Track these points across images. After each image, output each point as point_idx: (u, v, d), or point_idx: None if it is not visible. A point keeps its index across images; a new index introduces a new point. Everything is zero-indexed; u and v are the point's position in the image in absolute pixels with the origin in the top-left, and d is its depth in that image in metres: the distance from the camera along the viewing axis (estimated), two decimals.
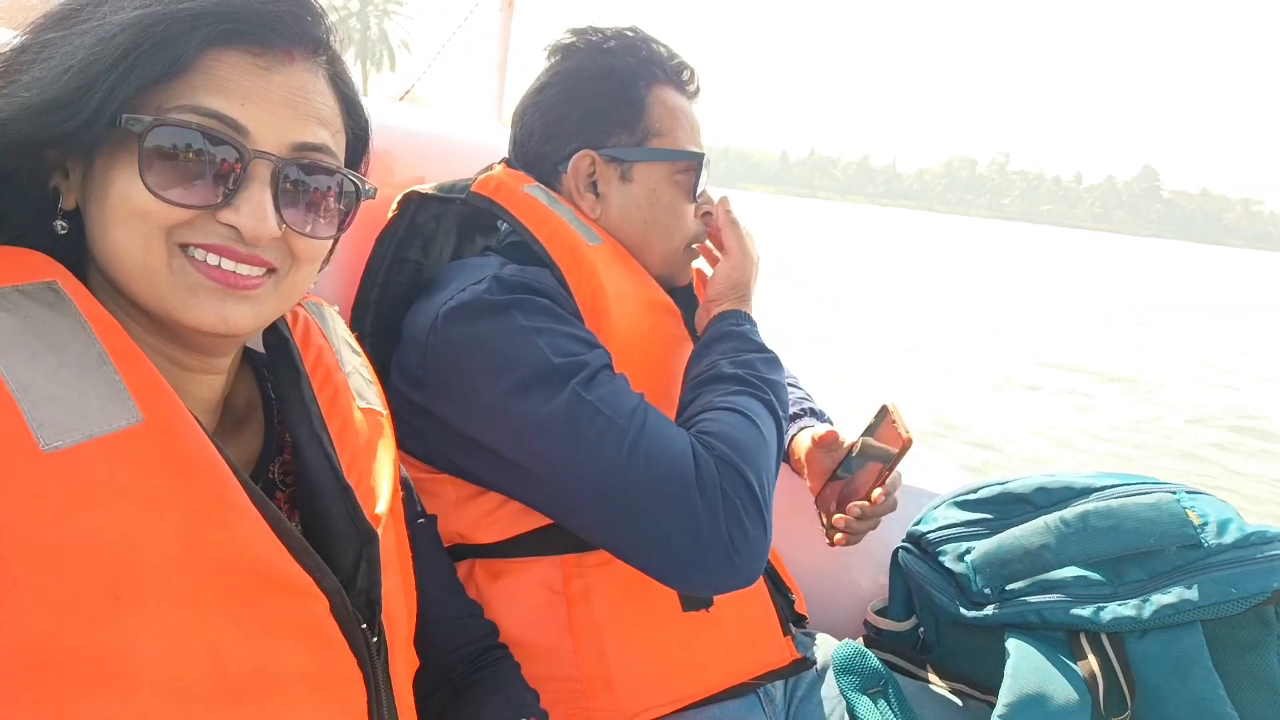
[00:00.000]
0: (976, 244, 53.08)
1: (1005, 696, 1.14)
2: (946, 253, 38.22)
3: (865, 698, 1.23)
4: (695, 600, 1.13)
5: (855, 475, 1.30)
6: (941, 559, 1.35)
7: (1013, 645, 1.21)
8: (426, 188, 1.26)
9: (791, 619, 1.31)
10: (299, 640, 0.64)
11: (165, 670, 0.56)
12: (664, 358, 1.21)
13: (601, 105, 1.22)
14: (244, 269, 0.67)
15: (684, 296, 1.31)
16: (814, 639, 1.36)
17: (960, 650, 1.35)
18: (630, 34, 1.25)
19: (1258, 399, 9.90)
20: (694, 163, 1.25)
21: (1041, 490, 1.33)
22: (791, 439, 1.43)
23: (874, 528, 1.28)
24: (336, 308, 0.96)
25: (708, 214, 1.31)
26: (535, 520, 1.09)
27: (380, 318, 1.24)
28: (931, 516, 1.42)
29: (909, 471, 1.43)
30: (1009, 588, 1.27)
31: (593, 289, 1.12)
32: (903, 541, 1.44)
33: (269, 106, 0.66)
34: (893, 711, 1.21)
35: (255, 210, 0.65)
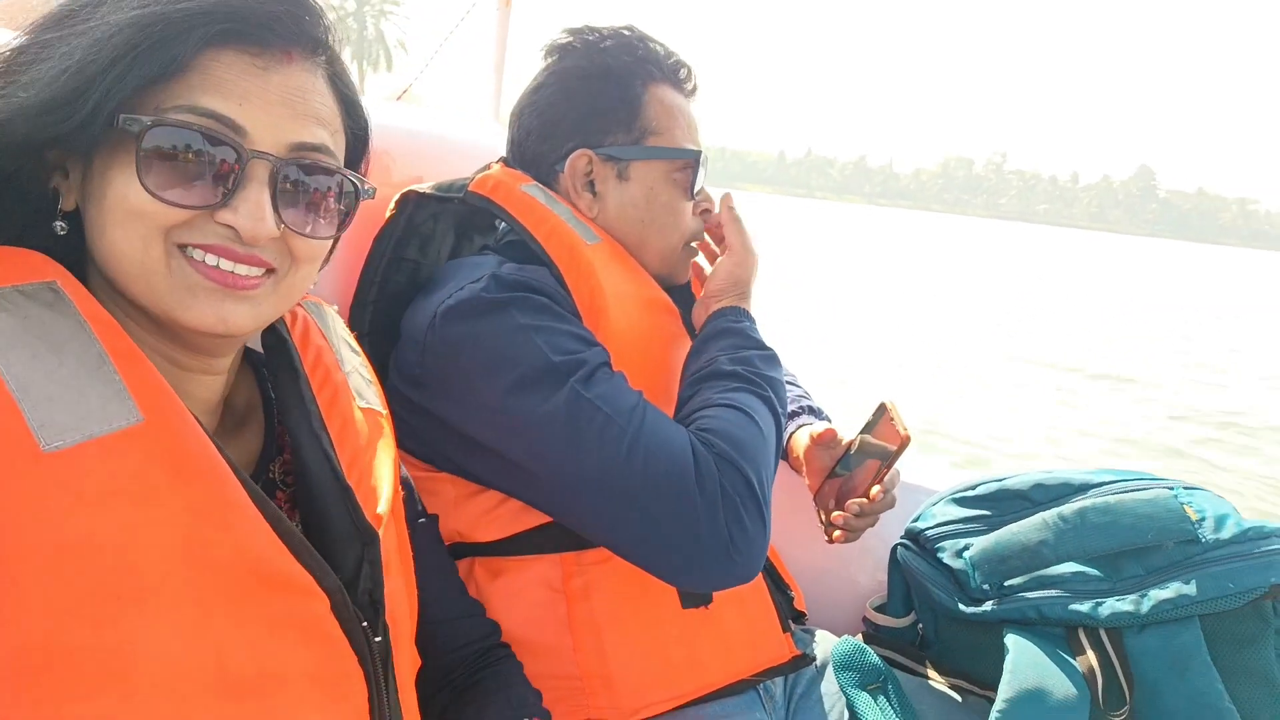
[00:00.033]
0: (973, 244, 53.17)
1: (1004, 692, 1.14)
2: (943, 253, 38.27)
3: (865, 694, 1.23)
4: (695, 597, 1.13)
5: (854, 473, 1.30)
6: (940, 555, 1.35)
7: (1011, 641, 1.21)
8: (424, 187, 1.26)
9: (791, 616, 1.31)
10: (300, 639, 0.64)
11: (167, 670, 0.56)
12: (662, 356, 1.21)
13: (598, 104, 1.22)
14: (242, 269, 0.67)
15: (682, 294, 1.31)
16: (813, 636, 1.36)
17: (959, 646, 1.35)
18: (627, 33, 1.25)
19: (1250, 397, 9.93)
20: (691, 160, 1.25)
21: (1039, 487, 1.33)
22: (790, 437, 1.43)
23: (873, 525, 1.29)
24: (335, 307, 0.95)
25: (707, 211, 1.31)
26: (535, 518, 1.09)
27: (378, 317, 1.24)
28: (930, 513, 1.42)
29: (907, 469, 1.44)
30: (1007, 584, 1.27)
31: (591, 287, 1.12)
32: (901, 538, 1.44)
33: (267, 106, 0.66)
34: (892, 708, 1.22)
35: (253, 210, 0.65)
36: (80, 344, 0.59)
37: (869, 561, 1.58)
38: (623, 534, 1.00)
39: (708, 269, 1.31)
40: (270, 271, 0.69)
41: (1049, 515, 1.27)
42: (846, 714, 1.23)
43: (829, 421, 1.44)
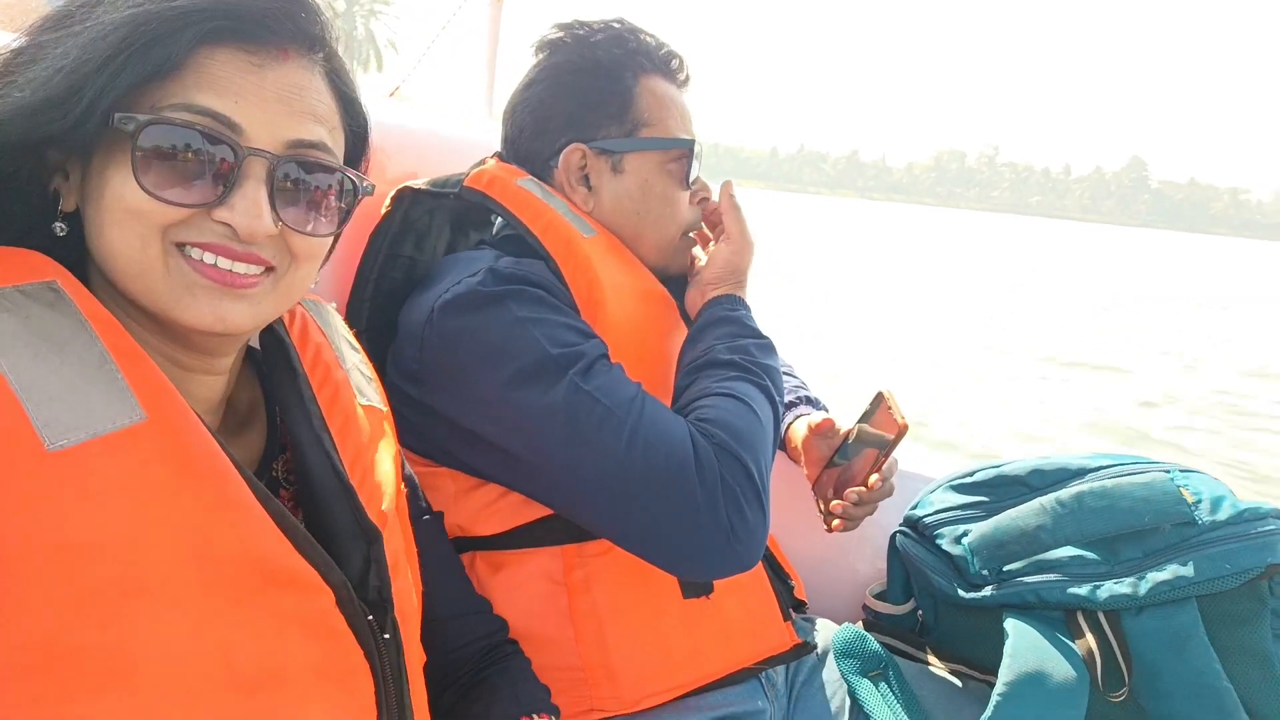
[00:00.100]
0: (966, 237, 53.27)
1: (1005, 676, 1.15)
2: (937, 246, 38.34)
3: (866, 681, 1.24)
4: (696, 587, 1.13)
5: (852, 462, 1.31)
6: (939, 542, 1.36)
7: (1011, 626, 1.22)
8: (419, 183, 1.26)
9: (791, 605, 1.32)
10: (306, 634, 0.65)
11: (173, 667, 0.56)
12: (660, 347, 1.21)
13: (589, 98, 1.22)
14: (241, 267, 0.66)
15: (679, 285, 1.31)
16: (814, 624, 1.37)
17: (959, 632, 1.36)
18: (617, 26, 1.25)
19: (1241, 385, 10.01)
20: (685, 150, 1.25)
21: (1037, 472, 1.34)
22: (788, 427, 1.44)
23: (871, 513, 1.29)
24: (333, 305, 0.95)
25: (705, 200, 1.31)
26: (535, 511, 1.09)
27: (375, 314, 1.24)
28: (928, 500, 1.43)
29: (905, 457, 1.45)
30: (1006, 569, 1.28)
31: (588, 280, 1.12)
32: (900, 526, 1.45)
33: (263, 104, 0.65)
34: (893, 694, 1.22)
35: (250, 208, 0.65)
36: (82, 343, 0.59)
37: (868, 549, 1.59)
38: (623, 525, 1.00)
39: (702, 259, 1.31)
40: (269, 270, 0.69)
41: (1047, 500, 1.28)
42: (848, 701, 1.24)
43: (827, 411, 1.44)
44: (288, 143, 0.67)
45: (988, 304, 15.81)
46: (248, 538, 0.61)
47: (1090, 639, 1.19)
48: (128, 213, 0.63)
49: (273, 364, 0.79)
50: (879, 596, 1.48)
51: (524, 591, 1.09)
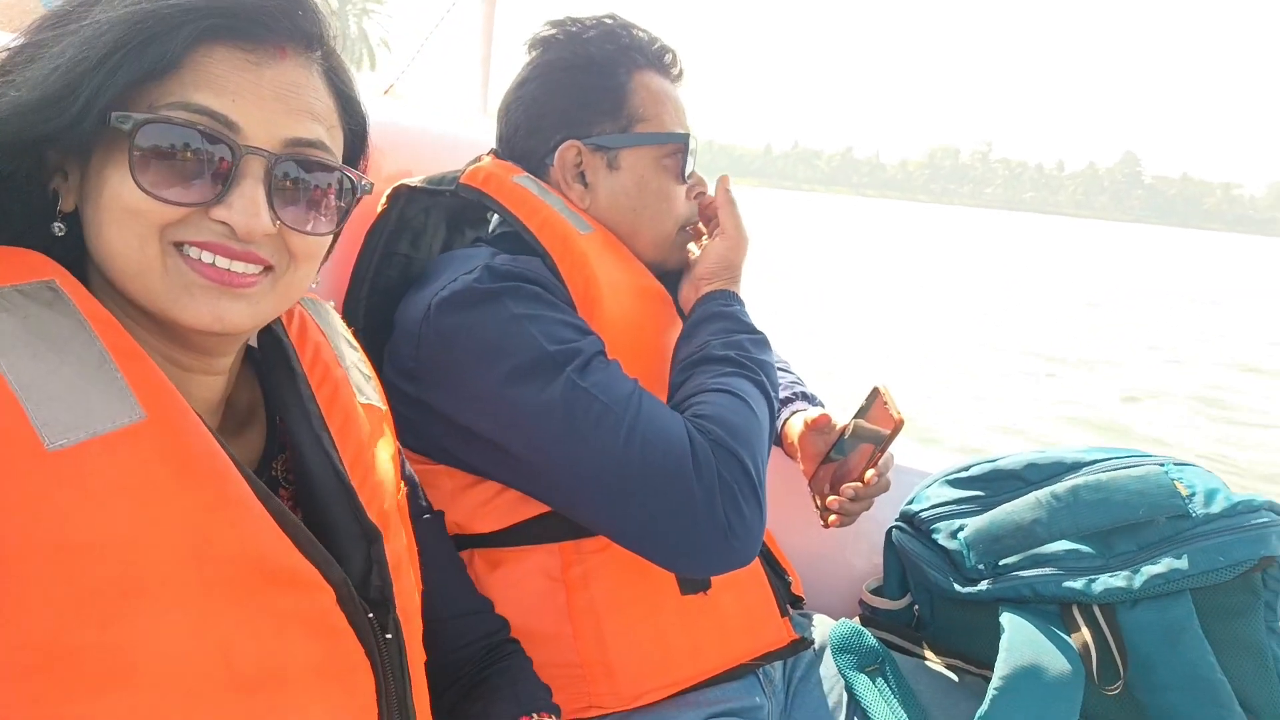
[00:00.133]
0: (960, 233, 53.39)
1: (1001, 670, 1.16)
2: (931, 243, 38.41)
3: (863, 676, 1.24)
4: (693, 584, 1.14)
5: (848, 457, 1.31)
6: (935, 537, 1.36)
7: (1007, 620, 1.23)
8: (415, 181, 1.25)
9: (788, 600, 1.32)
10: (307, 633, 0.65)
11: (174, 667, 0.56)
12: (657, 343, 1.21)
13: (583, 95, 1.22)
14: (239, 266, 0.66)
15: (676, 280, 1.31)
16: (811, 619, 1.37)
17: (955, 626, 1.37)
18: (609, 21, 1.24)
19: (1231, 380, 10.08)
20: (681, 145, 1.25)
21: (1032, 466, 1.34)
22: (784, 423, 1.44)
23: (867, 508, 1.30)
24: (331, 303, 0.95)
25: (701, 194, 1.31)
26: (533, 508, 1.09)
27: (371, 312, 1.24)
28: (924, 495, 1.44)
29: (900, 452, 1.45)
30: (1002, 563, 1.28)
31: (585, 277, 1.12)
32: (896, 521, 1.45)
33: (260, 102, 0.65)
34: (890, 689, 1.23)
35: (248, 206, 0.64)
36: (81, 342, 0.59)
37: (864, 545, 1.60)
38: (621, 522, 1.00)
39: (696, 254, 1.31)
40: (268, 269, 0.69)
41: (1042, 494, 1.28)
42: (845, 696, 1.24)
43: (823, 407, 1.45)
44: (285, 141, 0.67)
45: (982, 300, 15.85)
46: (248, 536, 0.61)
47: (1085, 632, 1.20)
48: (126, 212, 0.63)
49: (271, 364, 0.79)
50: (875, 591, 1.49)
51: (522, 588, 1.09)
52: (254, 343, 0.82)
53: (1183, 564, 1.16)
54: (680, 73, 1.30)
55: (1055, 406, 7.88)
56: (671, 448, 0.98)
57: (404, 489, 0.90)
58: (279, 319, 0.80)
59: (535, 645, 1.05)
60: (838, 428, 1.35)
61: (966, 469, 1.42)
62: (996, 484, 1.37)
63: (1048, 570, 1.24)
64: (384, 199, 1.26)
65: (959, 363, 9.49)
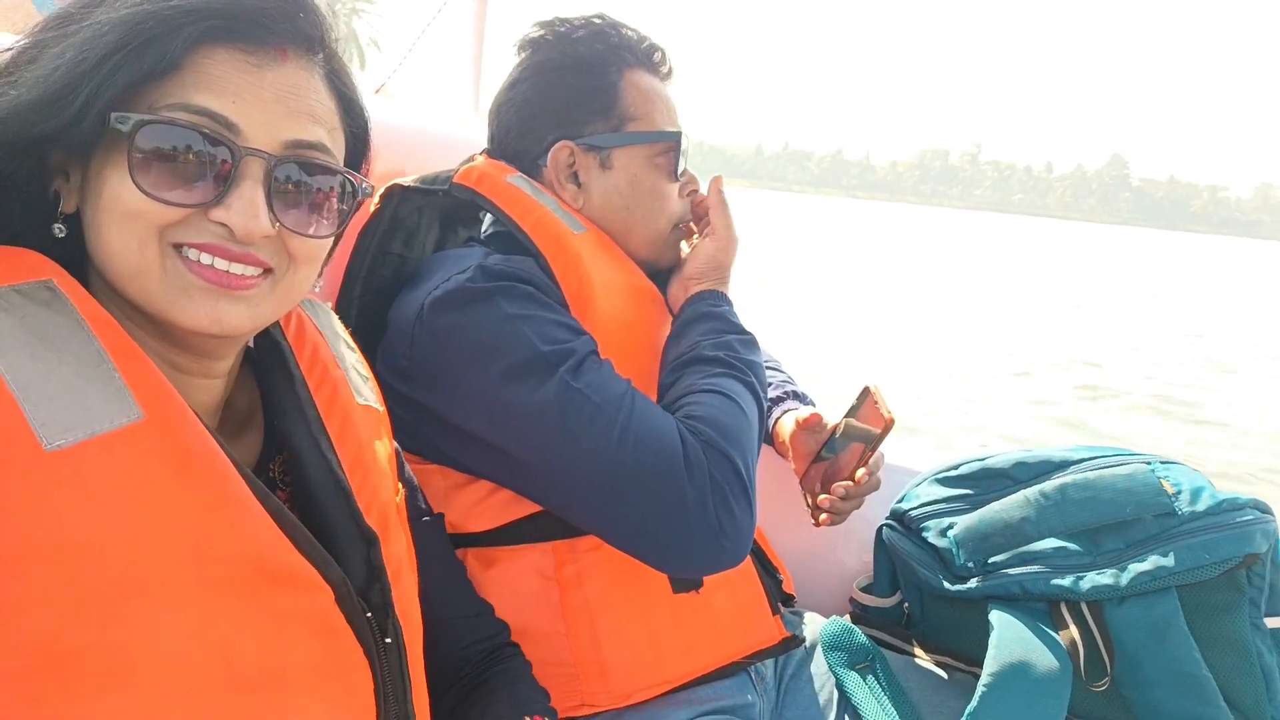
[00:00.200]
0: (950, 235, 53.63)
1: (990, 667, 1.17)
2: (920, 244, 38.57)
3: (854, 673, 1.25)
4: (685, 582, 1.14)
5: (839, 456, 1.32)
6: (925, 535, 1.37)
7: (996, 617, 1.24)
8: (408, 180, 1.25)
9: (780, 599, 1.32)
10: (306, 632, 0.64)
11: (173, 666, 0.56)
12: (649, 343, 1.21)
13: (574, 95, 1.22)
14: (238, 268, 0.66)
15: (668, 280, 1.31)
16: (802, 618, 1.38)
17: (945, 624, 1.38)
18: (598, 21, 1.24)
19: (1217, 381, 10.19)
20: (673, 143, 1.25)
21: (1021, 465, 1.35)
22: (776, 422, 1.45)
23: (858, 507, 1.30)
24: (328, 304, 0.95)
25: (693, 192, 1.32)
26: (526, 508, 1.09)
27: (364, 312, 1.23)
28: (914, 494, 1.45)
29: (891, 451, 1.46)
30: (991, 561, 1.29)
31: (579, 277, 1.12)
32: (886, 519, 1.46)
33: (261, 104, 0.65)
34: (880, 686, 1.24)
35: (247, 208, 0.64)
36: (79, 342, 0.59)
37: (855, 543, 1.60)
38: (613, 522, 1.01)
39: (688, 252, 1.31)
40: (268, 272, 0.68)
41: (1030, 492, 1.29)
42: (836, 694, 1.25)
43: (814, 406, 1.45)
44: (285, 143, 0.66)
45: (971, 301, 15.93)
46: (247, 536, 0.61)
47: (1073, 629, 1.21)
48: (125, 213, 0.63)
49: (269, 366, 0.79)
50: (866, 589, 1.50)
51: (515, 587, 1.09)
52: (251, 344, 0.81)
53: (1169, 561, 1.17)
54: (670, 71, 1.30)
55: (1043, 407, 7.95)
56: (664, 448, 0.98)
57: (403, 491, 0.89)
58: (276, 321, 0.80)
59: (529, 644, 1.05)
60: (829, 427, 1.35)
61: (956, 468, 1.43)
62: (985, 482, 1.38)
63: (1036, 568, 1.25)
64: (377, 198, 1.26)
65: (948, 363, 9.54)
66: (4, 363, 0.55)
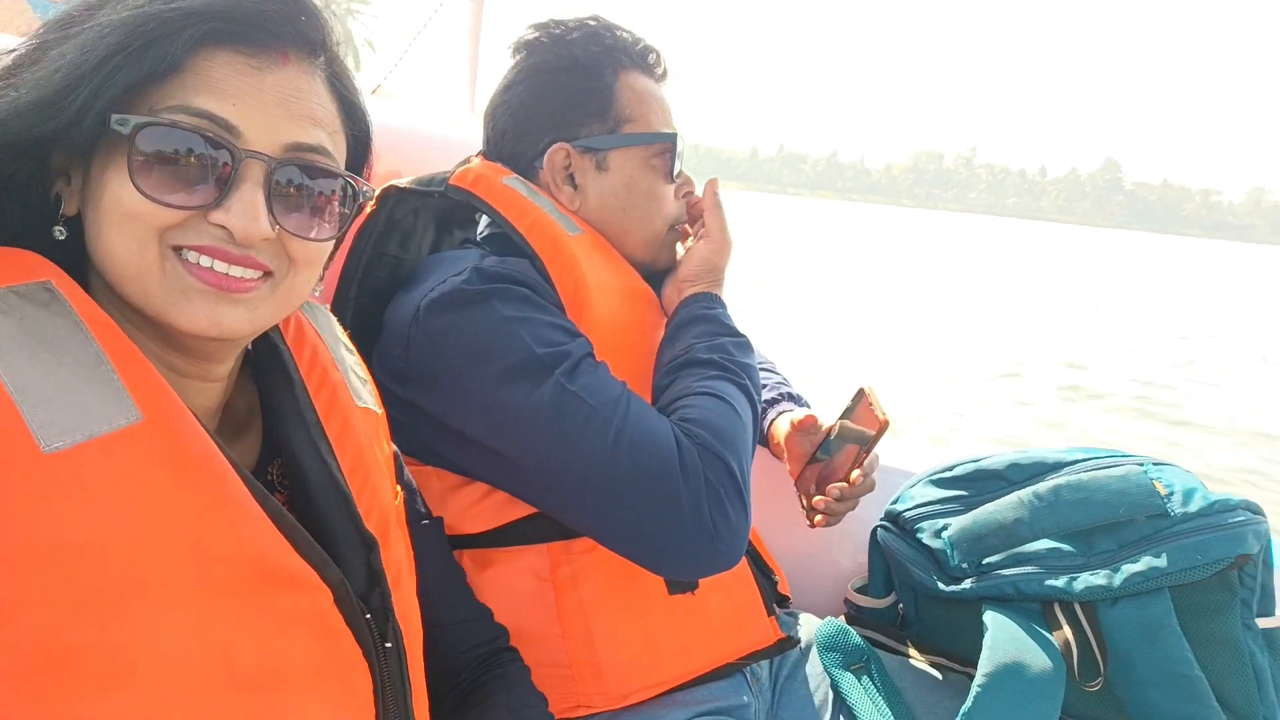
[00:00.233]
0: (944, 238, 53.78)
1: (984, 668, 1.17)
2: (915, 247, 38.66)
3: (849, 674, 1.26)
4: (681, 584, 1.14)
5: (834, 457, 1.32)
6: (919, 536, 1.38)
7: (990, 618, 1.24)
8: (404, 182, 1.25)
9: (775, 600, 1.33)
10: (305, 633, 0.64)
11: (173, 667, 0.56)
12: (645, 346, 1.22)
13: (570, 97, 1.22)
14: (237, 271, 0.66)
15: (662, 282, 1.31)
16: (797, 619, 1.38)
17: (939, 625, 1.38)
18: (592, 23, 1.25)
19: (1206, 384, 10.25)
20: (669, 144, 1.25)
21: (1015, 466, 1.36)
22: (771, 424, 1.45)
23: (853, 508, 1.31)
24: (326, 306, 0.95)
25: (689, 194, 1.32)
26: (521, 509, 1.09)
27: (360, 313, 1.23)
28: (908, 495, 1.45)
29: (885, 452, 1.46)
30: (985, 562, 1.30)
31: (574, 279, 1.13)
32: (881, 520, 1.46)
33: (261, 107, 0.65)
34: (875, 687, 1.24)
35: (246, 210, 0.64)
36: (77, 344, 0.59)
37: (850, 544, 1.61)
38: (608, 525, 1.01)
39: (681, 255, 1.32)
40: (267, 275, 0.68)
41: (1024, 494, 1.30)
42: (831, 695, 1.25)
43: (809, 408, 1.46)
44: (286, 146, 0.66)
45: (966, 304, 15.98)
46: (246, 537, 0.61)
47: (1067, 630, 1.22)
48: (124, 215, 0.62)
49: (266, 369, 0.79)
50: (861, 590, 1.50)
51: (511, 589, 1.09)
52: (250, 347, 0.81)
53: (1161, 562, 1.18)
54: (664, 72, 1.30)
55: (1036, 409, 7.98)
56: (659, 451, 0.99)
57: (402, 494, 0.89)
58: (276, 324, 0.80)
59: (524, 645, 1.05)
60: (824, 428, 1.36)
61: (950, 469, 1.43)
62: (980, 484, 1.39)
63: (1030, 569, 1.26)
64: (373, 199, 1.26)
65: (943, 365, 9.56)
66: (2, 364, 0.55)
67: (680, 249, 1.32)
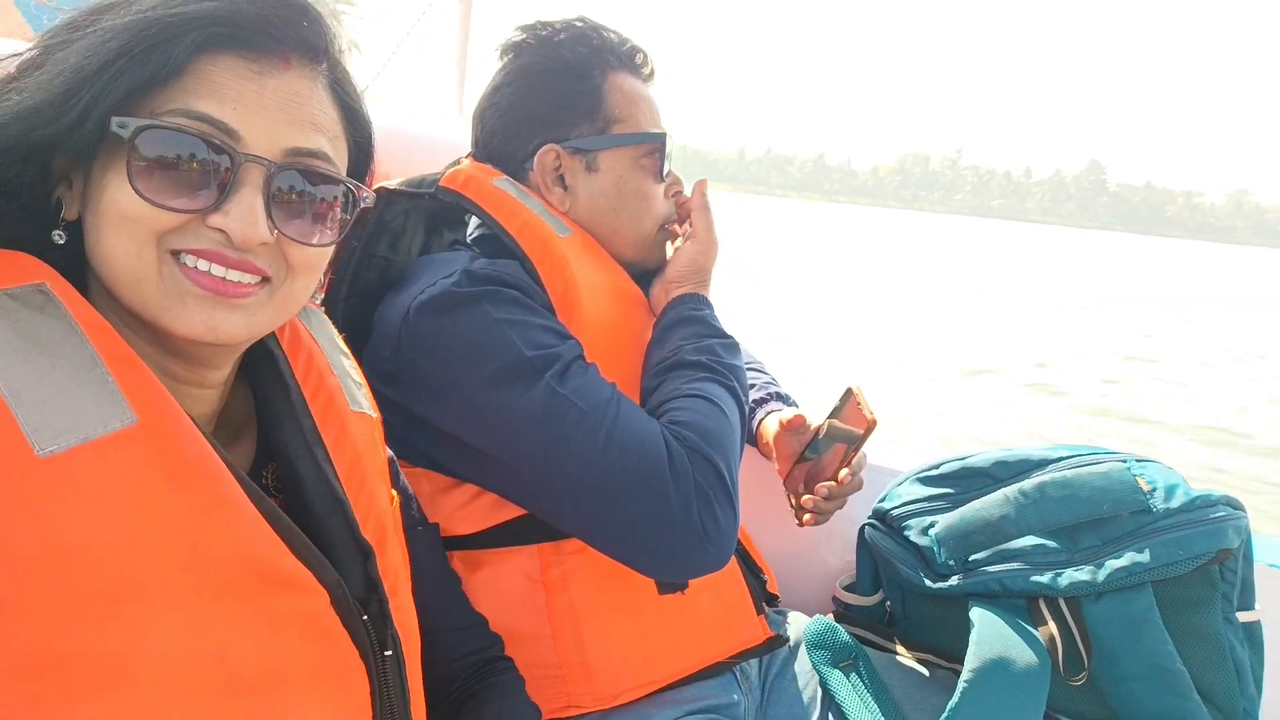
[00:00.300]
0: (930, 239, 54.04)
1: (970, 664, 1.18)
2: (901, 248, 38.83)
3: (837, 671, 1.26)
4: (671, 584, 1.15)
5: (822, 457, 1.33)
6: (906, 534, 1.39)
7: (976, 614, 1.25)
8: (394, 183, 1.25)
9: (764, 598, 1.33)
10: (302, 635, 0.64)
11: (169, 669, 0.56)
12: (635, 347, 1.22)
13: (558, 99, 1.22)
14: (234, 275, 0.65)
15: (652, 282, 1.32)
16: (786, 617, 1.39)
17: (926, 621, 1.39)
18: (580, 24, 1.25)
19: (1189, 384, 10.35)
20: (658, 144, 1.26)
21: (1001, 464, 1.37)
22: (759, 423, 1.46)
23: (841, 507, 1.31)
24: (321, 309, 0.94)
25: (678, 194, 1.33)
26: (511, 511, 1.09)
27: (349, 315, 1.23)
28: (896, 493, 1.46)
29: (873, 451, 1.47)
30: (971, 559, 1.31)
31: (565, 280, 1.13)
32: (869, 518, 1.47)
33: (262, 111, 0.65)
34: (864, 684, 1.25)
35: (244, 214, 0.64)
36: (72, 346, 0.59)
37: (838, 542, 1.62)
38: (599, 527, 1.01)
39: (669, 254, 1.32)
40: (265, 280, 0.68)
41: (1010, 491, 1.31)
42: (820, 692, 1.26)
43: (797, 408, 1.47)
44: (286, 150, 0.66)
45: (951, 305, 16.07)
46: (242, 539, 0.61)
47: (1052, 625, 1.23)
48: (123, 218, 0.62)
49: (261, 375, 0.78)
50: (849, 588, 1.51)
51: (501, 590, 1.09)
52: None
53: (1144, 557, 1.20)
54: (652, 73, 1.31)
55: (1023, 408, 8.04)
56: (649, 453, 0.99)
57: (397, 499, 0.89)
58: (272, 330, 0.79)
59: (515, 646, 1.05)
60: (812, 428, 1.37)
61: (937, 467, 1.44)
62: (966, 481, 1.40)
63: (1016, 565, 1.27)
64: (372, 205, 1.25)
65: (930, 365, 9.62)
66: None
67: (670, 249, 1.33)
